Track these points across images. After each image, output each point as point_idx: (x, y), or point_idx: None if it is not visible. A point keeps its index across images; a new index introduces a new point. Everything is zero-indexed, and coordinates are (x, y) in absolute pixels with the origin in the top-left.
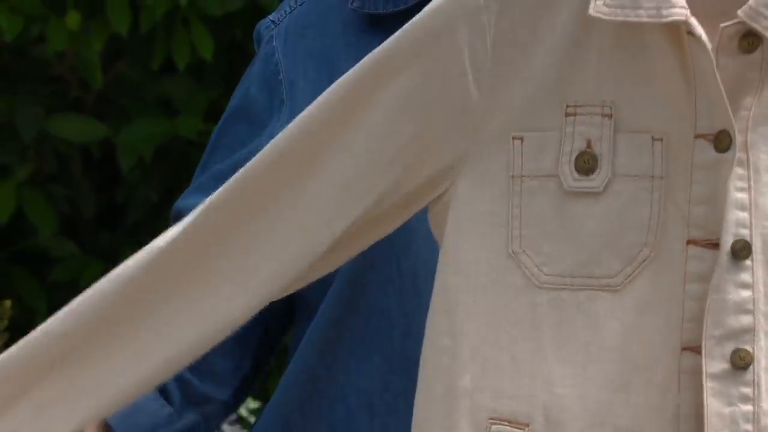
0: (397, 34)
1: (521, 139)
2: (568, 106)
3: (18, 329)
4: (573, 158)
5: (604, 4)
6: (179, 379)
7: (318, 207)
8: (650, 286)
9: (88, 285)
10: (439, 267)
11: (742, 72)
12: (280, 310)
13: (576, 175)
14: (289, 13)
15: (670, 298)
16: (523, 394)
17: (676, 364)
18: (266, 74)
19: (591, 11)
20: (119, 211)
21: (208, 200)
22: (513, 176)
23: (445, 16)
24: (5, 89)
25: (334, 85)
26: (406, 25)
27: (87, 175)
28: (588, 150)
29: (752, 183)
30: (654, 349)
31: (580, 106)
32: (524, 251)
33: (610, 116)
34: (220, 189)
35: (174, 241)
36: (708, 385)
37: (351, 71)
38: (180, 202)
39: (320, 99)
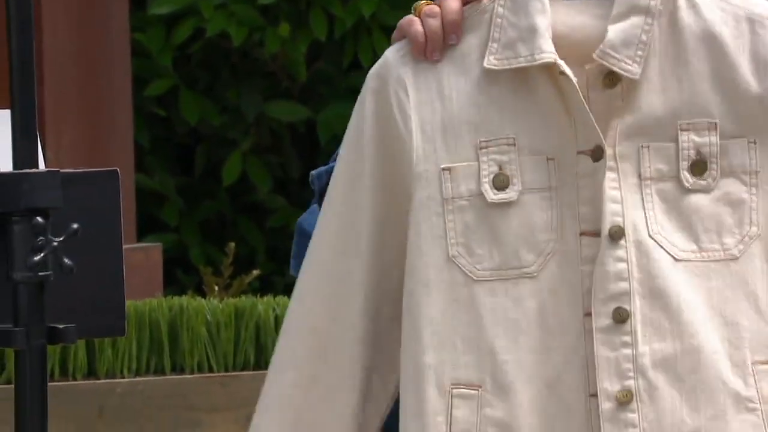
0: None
1: (449, 169)
2: (481, 142)
3: (240, 263)
4: (491, 179)
5: (495, 57)
6: None
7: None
8: (557, 271)
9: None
10: (405, 276)
11: (609, 102)
12: None
13: (495, 191)
14: None
15: (571, 278)
16: (474, 364)
17: (581, 326)
18: None
19: (485, 64)
20: None
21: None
22: (446, 199)
23: (376, 76)
24: (233, 82)
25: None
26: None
27: (294, 147)
28: (501, 172)
29: (621, 183)
30: (564, 318)
31: (490, 140)
32: (461, 255)
33: (514, 144)
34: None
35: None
36: (596, 337)
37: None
38: (302, 219)
39: (342, 151)
